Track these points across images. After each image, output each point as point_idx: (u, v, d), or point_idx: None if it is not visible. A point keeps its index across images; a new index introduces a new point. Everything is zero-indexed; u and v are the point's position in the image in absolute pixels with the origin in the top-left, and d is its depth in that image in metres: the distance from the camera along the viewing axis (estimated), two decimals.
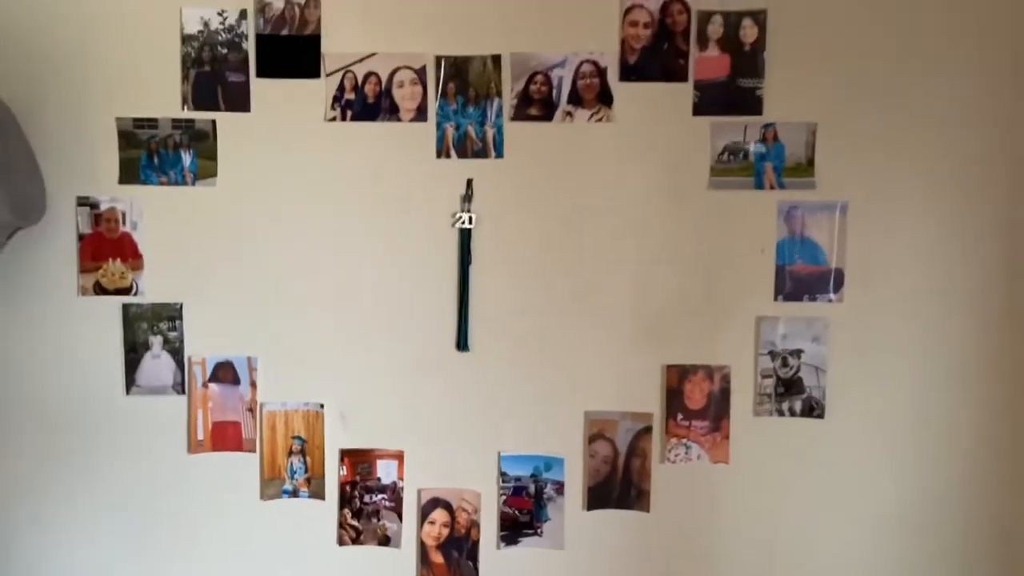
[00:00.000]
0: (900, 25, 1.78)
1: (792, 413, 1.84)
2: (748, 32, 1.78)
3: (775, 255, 1.83)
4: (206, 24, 1.81)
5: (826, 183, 1.81)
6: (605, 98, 1.82)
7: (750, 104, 1.80)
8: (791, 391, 1.83)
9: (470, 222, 1.84)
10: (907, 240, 1.82)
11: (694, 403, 1.85)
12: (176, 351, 1.87)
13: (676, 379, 1.84)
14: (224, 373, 1.88)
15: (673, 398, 1.85)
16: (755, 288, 1.84)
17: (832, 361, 1.83)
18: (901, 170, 1.81)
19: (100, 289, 1.86)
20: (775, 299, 1.83)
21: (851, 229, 1.81)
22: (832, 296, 1.82)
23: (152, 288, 1.86)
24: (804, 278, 1.82)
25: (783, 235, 1.82)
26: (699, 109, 1.80)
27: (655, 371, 1.86)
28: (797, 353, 1.83)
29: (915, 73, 1.79)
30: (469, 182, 1.84)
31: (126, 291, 1.86)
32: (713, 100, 1.80)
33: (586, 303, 1.85)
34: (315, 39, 1.81)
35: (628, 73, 1.81)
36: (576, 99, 1.82)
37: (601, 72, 1.81)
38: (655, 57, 1.80)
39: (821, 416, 1.84)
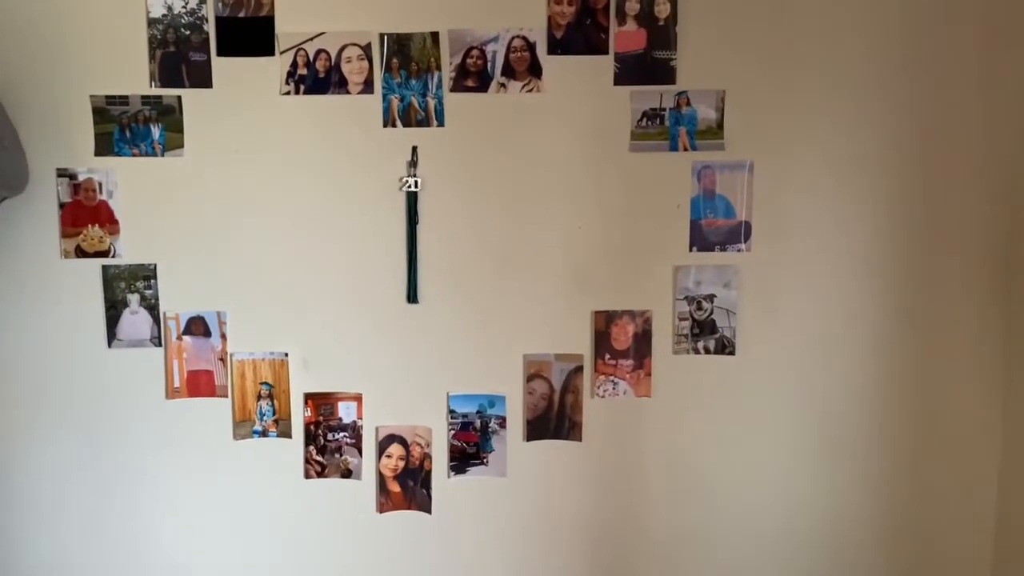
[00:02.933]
0: (802, 7, 1.95)
1: (707, 351, 2.04)
2: (662, 8, 1.95)
3: (690, 210, 2.01)
4: (170, 8, 1.97)
5: (734, 144, 1.99)
6: (535, 70, 1.99)
7: (665, 74, 1.97)
8: (705, 331, 2.04)
9: (416, 186, 2.01)
10: (807, 194, 2.01)
11: (620, 344, 2.05)
12: (152, 307, 2.05)
13: (603, 323, 2.04)
14: (196, 326, 2.06)
15: (601, 340, 2.05)
16: (672, 241, 2.02)
17: (741, 304, 2.03)
18: (801, 130, 1.99)
19: (81, 252, 2.03)
20: (690, 250, 2.02)
21: (757, 185, 2.00)
22: (742, 246, 2.01)
23: (129, 250, 2.04)
24: (716, 231, 2.01)
25: (696, 192, 2.01)
26: (619, 79, 1.98)
27: (585, 316, 2.05)
28: (710, 298, 2.03)
29: (812, 42, 1.97)
30: (414, 149, 2.01)
31: (105, 253, 2.03)
32: (632, 71, 1.97)
33: (522, 257, 2.04)
34: (269, 20, 1.97)
35: (555, 47, 1.97)
36: (509, 71, 1.99)
37: (531, 46, 1.98)
38: (579, 32, 1.97)
39: (732, 353, 2.04)
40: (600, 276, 2.04)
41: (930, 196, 2.01)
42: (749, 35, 1.96)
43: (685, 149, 1.99)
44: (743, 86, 1.98)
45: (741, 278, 2.02)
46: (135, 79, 1.99)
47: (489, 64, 1.99)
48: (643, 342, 2.04)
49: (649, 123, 1.99)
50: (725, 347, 2.03)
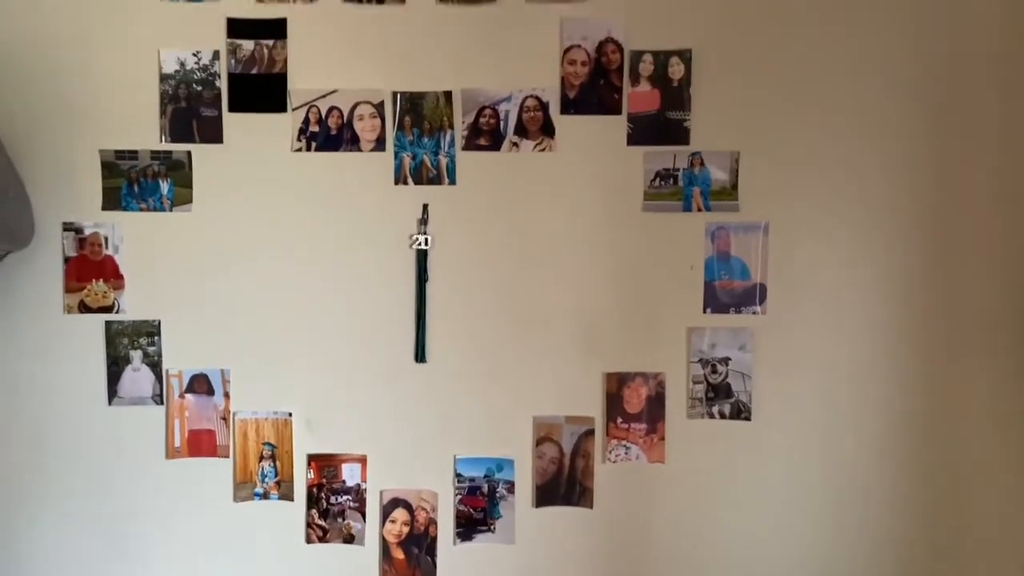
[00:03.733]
0: (810, 64, 1.95)
1: (722, 416, 2.00)
2: (675, 69, 1.95)
3: (704, 271, 1.99)
4: (182, 64, 1.97)
5: (749, 206, 1.98)
6: (548, 130, 1.98)
7: (678, 134, 1.96)
8: (720, 395, 1.99)
9: (426, 243, 1.99)
10: (823, 257, 1.98)
11: (632, 407, 2.01)
12: (155, 364, 2.01)
13: (615, 385, 2.00)
14: (199, 384, 2.02)
15: (613, 403, 2.01)
16: (686, 302, 1.99)
17: (757, 368, 1.99)
18: (816, 193, 1.97)
19: (84, 307, 2.00)
20: (704, 312, 1.99)
21: (772, 247, 1.98)
22: (757, 308, 1.98)
23: (133, 306, 2.00)
24: (730, 292, 1.98)
25: (711, 253, 1.98)
26: (633, 139, 1.97)
27: (596, 378, 2.01)
28: (725, 361, 1.99)
29: (825, 106, 1.96)
30: (425, 207, 2.00)
31: (108, 309, 2.00)
32: (645, 131, 1.97)
33: (533, 317, 2.00)
34: (282, 77, 1.97)
35: (568, 107, 1.97)
36: (521, 131, 1.98)
37: (544, 106, 1.98)
38: (592, 92, 1.97)
39: (748, 418, 1.99)
40: (612, 337, 2.00)
41: (948, 261, 1.98)
42: (763, 97, 1.96)
43: (699, 210, 1.97)
44: (757, 148, 1.96)
45: (756, 341, 1.98)
46: (145, 134, 1.98)
47: (502, 123, 1.98)
48: (656, 405, 2.00)
49: (663, 183, 1.97)
50: (741, 412, 1.99)
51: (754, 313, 1.98)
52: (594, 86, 1.97)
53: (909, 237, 1.98)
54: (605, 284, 1.99)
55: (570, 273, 2.00)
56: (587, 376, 2.00)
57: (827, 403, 2.00)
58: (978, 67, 1.96)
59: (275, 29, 1.95)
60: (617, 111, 1.97)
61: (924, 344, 1.99)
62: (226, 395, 2.01)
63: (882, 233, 1.98)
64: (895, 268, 1.98)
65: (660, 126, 1.96)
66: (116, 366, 2.00)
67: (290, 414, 2.01)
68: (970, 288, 1.98)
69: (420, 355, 2.00)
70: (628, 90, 1.96)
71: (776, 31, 1.94)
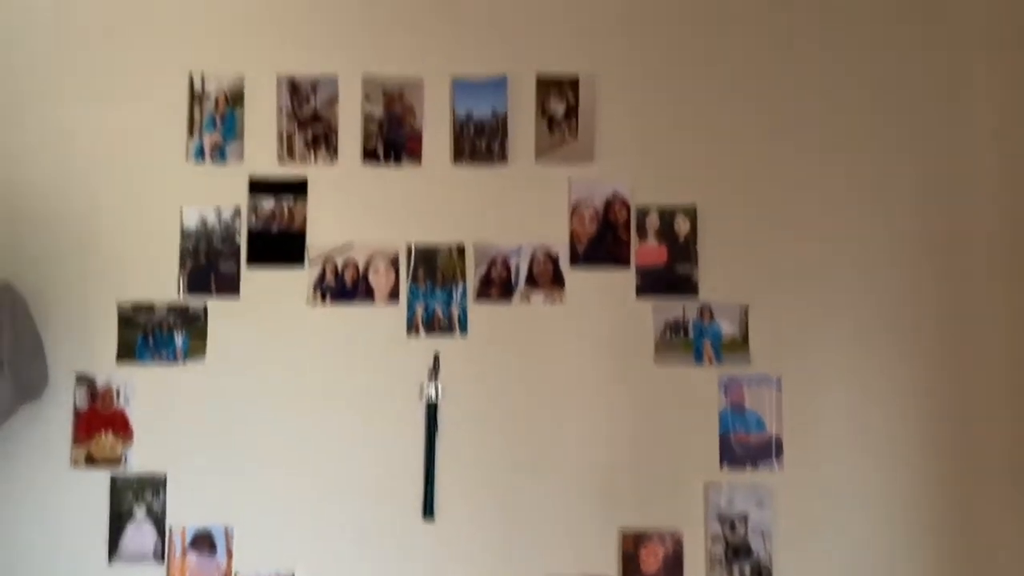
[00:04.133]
0: (815, 219, 2.00)
1: None
2: (681, 225, 2.01)
3: (718, 424, 1.97)
4: (203, 220, 2.04)
5: (761, 358, 1.98)
6: (558, 281, 2.01)
7: (687, 287, 1.99)
8: (740, 555, 1.92)
9: (436, 395, 1.99)
10: (838, 411, 1.96)
11: (649, 567, 1.92)
12: (158, 520, 1.96)
13: (632, 545, 1.93)
14: (202, 542, 1.96)
15: (629, 562, 1.92)
16: (702, 456, 1.96)
17: (776, 526, 1.93)
18: (826, 346, 1.98)
19: (91, 460, 1.98)
20: (721, 466, 1.95)
21: (787, 400, 1.96)
22: (774, 464, 1.94)
23: (140, 460, 1.98)
24: (747, 446, 1.95)
25: (724, 406, 1.97)
26: (641, 291, 2.00)
27: (611, 535, 1.94)
28: (744, 518, 1.92)
29: (831, 260, 1.99)
30: (436, 357, 2.01)
31: (115, 462, 1.98)
32: (654, 283, 2.00)
33: (544, 471, 1.96)
34: (301, 233, 2.03)
35: (577, 260, 2.01)
36: (532, 282, 2.02)
37: (553, 259, 2.02)
38: (601, 246, 2.02)
39: None
40: (628, 491, 1.95)
41: (963, 417, 1.95)
42: (769, 251, 2.00)
43: (711, 362, 1.97)
44: (766, 300, 1.99)
45: (775, 498, 1.93)
46: (163, 287, 2.02)
47: (513, 275, 2.02)
48: (674, 566, 1.91)
49: (673, 335, 1.99)
50: (761, 573, 1.90)
51: (772, 469, 1.93)
52: (602, 240, 2.02)
53: (924, 395, 1.96)
54: (619, 436, 1.97)
55: (583, 425, 1.97)
56: (603, 533, 1.94)
57: (850, 564, 1.92)
58: (983, 225, 2.00)
59: (296, 188, 2.03)
60: (626, 264, 2.01)
61: (947, 505, 1.93)
62: (229, 553, 1.94)
63: (895, 388, 1.97)
64: (912, 422, 1.95)
65: (668, 279, 1.99)
66: (119, 521, 1.96)
67: (294, 574, 1.94)
68: (989, 441, 1.94)
69: (428, 511, 1.94)
70: (636, 245, 2.01)
71: (778, 189, 2.01)
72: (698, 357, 1.97)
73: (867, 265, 2.00)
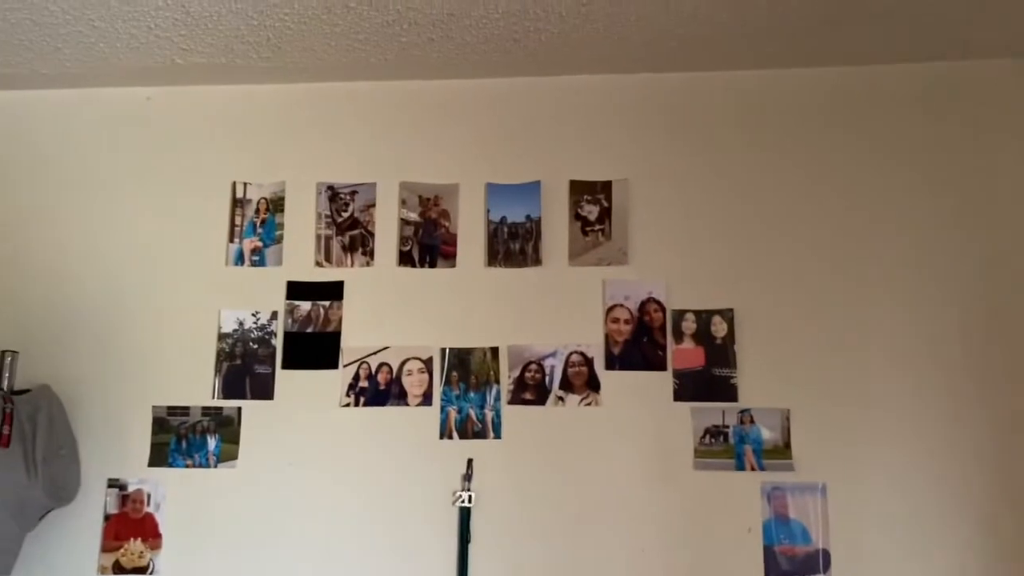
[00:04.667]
0: (855, 321, 1.96)
1: None
2: (718, 327, 1.99)
3: (762, 535, 1.89)
4: (240, 323, 2.06)
5: (804, 465, 1.91)
6: (593, 384, 1.99)
7: (726, 391, 1.95)
8: None
9: (470, 500, 1.94)
10: (886, 520, 1.87)
11: None
12: None
13: None
14: None
15: None
16: (744, 568, 1.87)
17: None
18: (873, 452, 1.90)
19: (119, 568, 1.95)
20: None
21: (833, 510, 1.88)
22: None
23: (168, 567, 1.95)
24: (792, 559, 1.86)
25: (768, 516, 1.89)
26: (679, 395, 1.96)
27: None
28: None
29: (874, 362, 1.94)
30: (469, 462, 1.97)
31: (143, 570, 1.94)
32: (692, 387, 1.96)
33: None
34: (336, 335, 2.04)
35: (613, 362, 1.99)
36: (567, 385, 1.99)
37: (588, 362, 2.00)
38: (636, 349, 2.00)
39: None
40: None
41: (1020, 518, 1.86)
42: (809, 354, 1.96)
43: (752, 469, 1.91)
44: (808, 404, 1.93)
45: None
46: (198, 390, 2.03)
47: (547, 378, 2.00)
48: None
49: (713, 440, 1.93)
50: None
51: None
52: (638, 343, 2.00)
53: (976, 506, 1.87)
54: (657, 546, 1.89)
55: (620, 533, 1.91)
56: None
57: None
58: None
59: (332, 291, 2.06)
60: (662, 367, 1.98)
61: None
62: None
63: (946, 491, 1.88)
64: (965, 528, 1.85)
65: (707, 382, 1.96)
66: None
67: None
68: None
69: None
70: (672, 347, 1.99)
71: (816, 291, 1.98)
72: (739, 463, 1.91)
73: (910, 365, 1.94)
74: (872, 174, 2.03)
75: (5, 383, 1.98)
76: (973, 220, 1.99)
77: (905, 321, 1.97)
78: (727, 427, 1.94)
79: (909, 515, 1.87)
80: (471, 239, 2.08)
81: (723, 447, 1.93)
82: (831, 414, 1.93)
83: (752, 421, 1.93)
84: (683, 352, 1.99)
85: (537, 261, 2.05)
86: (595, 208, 2.07)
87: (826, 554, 1.86)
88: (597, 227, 2.05)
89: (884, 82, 2.06)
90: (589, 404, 1.98)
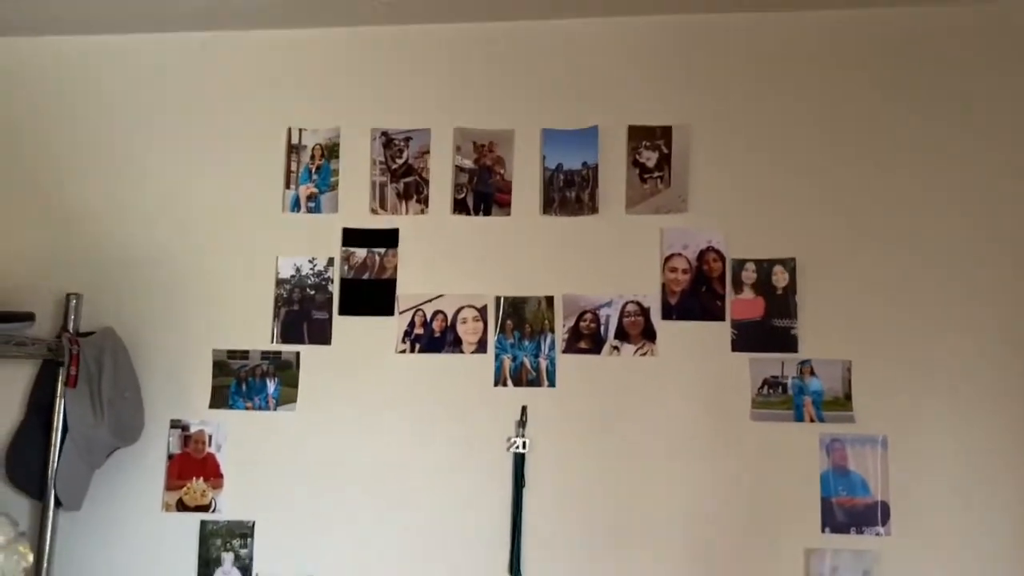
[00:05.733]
0: (920, 273, 1.91)
1: None
2: (779, 277, 1.95)
3: (820, 486, 1.87)
4: (298, 270, 2.07)
5: (864, 417, 1.88)
6: (649, 334, 1.97)
7: (785, 342, 1.92)
8: None
9: (524, 447, 1.95)
10: (945, 474, 1.84)
11: None
12: (245, 568, 1.96)
13: None
14: None
15: None
16: (802, 519, 1.86)
17: None
18: (936, 404, 1.87)
19: (182, 506, 2.00)
20: (822, 531, 1.85)
21: (893, 463, 1.86)
22: (880, 529, 1.83)
23: (229, 506, 2.00)
24: (850, 510, 1.85)
25: (826, 467, 1.87)
26: (737, 346, 1.93)
27: None
28: None
29: (937, 312, 1.89)
30: (523, 409, 1.97)
31: (205, 508, 2.00)
32: (750, 338, 1.93)
33: (635, 530, 1.90)
34: (391, 283, 2.05)
35: (669, 312, 1.97)
36: (622, 335, 1.98)
37: (644, 311, 1.98)
38: (694, 299, 1.97)
39: None
40: (723, 554, 1.86)
41: None
42: (873, 304, 1.91)
43: (811, 420, 1.89)
44: (870, 356, 1.90)
45: (882, 567, 1.81)
46: (257, 335, 2.06)
47: (602, 327, 1.99)
48: None
49: (771, 391, 1.91)
50: None
51: (877, 534, 1.83)
52: (696, 293, 1.97)
53: None
54: (713, 496, 1.89)
55: (676, 483, 1.90)
56: None
57: None
58: None
59: (387, 238, 2.06)
60: (720, 317, 1.95)
61: None
62: None
63: (1006, 447, 1.84)
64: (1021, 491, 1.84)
65: (766, 333, 1.93)
66: (207, 568, 1.97)
67: None
68: None
69: (515, 568, 1.89)
70: (731, 297, 1.95)
71: (882, 241, 1.93)
72: (798, 415, 1.89)
73: (974, 320, 1.89)
74: (944, 122, 1.95)
75: (71, 325, 2.04)
76: None
77: (970, 275, 1.91)
78: (786, 378, 1.90)
79: (968, 470, 1.84)
80: (526, 186, 2.05)
81: (781, 398, 1.90)
82: (893, 367, 1.89)
83: (812, 373, 1.90)
84: (742, 302, 1.95)
85: (593, 209, 2.02)
86: (654, 155, 2.02)
87: (884, 506, 1.84)
88: (656, 174, 2.02)
89: (964, 23, 1.97)
90: (645, 354, 1.96)
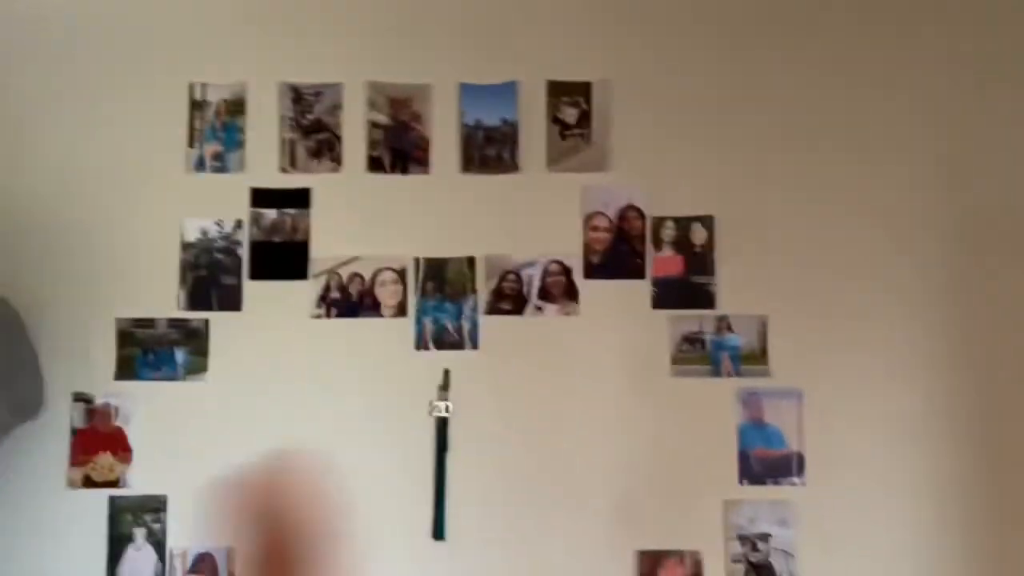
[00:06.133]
0: (835, 229, 1.94)
1: None
2: (698, 235, 1.95)
3: (737, 439, 1.91)
4: (204, 233, 1.97)
5: (780, 371, 1.92)
6: (571, 294, 1.95)
7: (704, 298, 1.93)
8: (763, 575, 1.86)
9: (447, 411, 1.92)
10: (861, 425, 1.90)
11: None
12: (158, 543, 1.89)
13: (649, 566, 1.86)
14: (204, 564, 1.89)
15: None
16: (720, 472, 1.90)
17: (800, 545, 1.86)
18: (849, 358, 1.91)
19: (89, 482, 1.91)
20: (740, 483, 1.89)
21: (808, 415, 1.90)
22: (796, 479, 1.88)
23: (139, 481, 1.91)
24: (767, 462, 1.89)
25: (743, 420, 1.91)
26: (657, 303, 1.94)
27: (628, 557, 1.88)
28: (765, 537, 1.86)
29: (852, 269, 1.93)
30: (446, 372, 1.94)
31: (114, 484, 1.91)
32: (670, 295, 1.94)
33: (558, 489, 1.90)
34: (304, 245, 1.97)
35: (591, 271, 1.95)
36: (545, 295, 1.96)
37: (567, 271, 1.96)
38: (615, 257, 1.96)
39: None
40: (643, 510, 1.89)
41: (992, 424, 1.89)
42: (788, 261, 1.94)
43: (729, 375, 1.91)
44: (785, 312, 1.92)
45: (798, 515, 1.87)
46: (163, 302, 1.96)
47: (525, 287, 1.96)
48: None
49: (690, 347, 1.92)
50: None
51: (794, 484, 1.87)
52: (617, 251, 1.96)
53: (949, 399, 1.90)
54: (634, 452, 1.90)
55: (597, 441, 1.91)
56: (618, 554, 1.87)
57: None
58: (1014, 222, 1.93)
59: (299, 198, 1.97)
60: (641, 275, 1.95)
61: (976, 513, 1.87)
62: None
63: (920, 397, 1.91)
64: (938, 433, 1.89)
65: (685, 290, 1.93)
66: (118, 544, 1.89)
67: None
68: (1022, 447, 1.89)
69: (439, 532, 1.88)
70: (651, 255, 1.95)
71: (798, 198, 1.95)
72: (716, 369, 1.91)
73: (889, 273, 1.93)
74: (869, 75, 1.97)
75: None
76: (974, 131, 1.95)
77: (890, 231, 1.95)
78: (704, 335, 1.92)
79: (884, 420, 1.90)
80: (445, 143, 1.99)
81: (700, 354, 1.92)
82: (809, 322, 1.93)
83: (730, 328, 1.92)
84: (662, 260, 1.95)
85: (514, 167, 1.98)
86: (574, 111, 1.98)
87: (800, 458, 1.88)
88: (576, 131, 1.98)
89: None
90: (568, 313, 1.95)
